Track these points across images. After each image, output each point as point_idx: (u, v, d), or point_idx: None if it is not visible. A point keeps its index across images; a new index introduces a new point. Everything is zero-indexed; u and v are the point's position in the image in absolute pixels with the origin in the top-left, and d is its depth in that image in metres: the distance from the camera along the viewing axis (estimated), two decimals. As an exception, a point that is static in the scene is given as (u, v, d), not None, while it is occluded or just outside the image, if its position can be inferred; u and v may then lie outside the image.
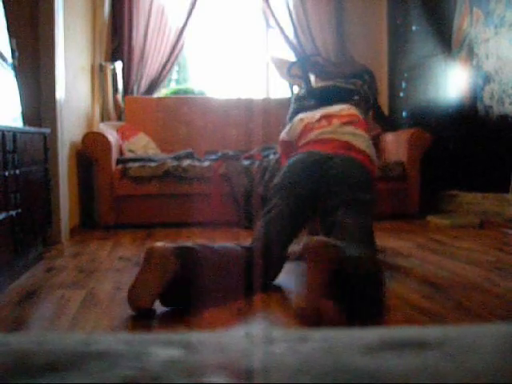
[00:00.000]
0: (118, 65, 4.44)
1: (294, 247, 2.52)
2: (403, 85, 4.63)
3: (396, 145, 4.05)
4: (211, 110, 4.52)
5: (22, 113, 2.76)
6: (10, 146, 2.18)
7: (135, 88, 4.59)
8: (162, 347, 0.41)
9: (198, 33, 4.90)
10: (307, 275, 1.54)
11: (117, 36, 4.57)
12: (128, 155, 3.95)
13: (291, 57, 4.77)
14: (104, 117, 4.38)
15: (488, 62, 3.45)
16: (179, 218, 3.66)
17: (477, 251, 2.66)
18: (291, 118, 4.32)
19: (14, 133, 2.26)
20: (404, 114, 4.63)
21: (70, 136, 3.44)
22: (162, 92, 4.97)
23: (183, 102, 4.59)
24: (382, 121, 4.50)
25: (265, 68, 5.04)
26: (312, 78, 4.62)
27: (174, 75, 5.72)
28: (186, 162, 3.76)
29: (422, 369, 0.38)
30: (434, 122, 4.15)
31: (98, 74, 4.35)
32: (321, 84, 4.56)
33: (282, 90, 5.01)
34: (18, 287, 2.11)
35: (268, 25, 4.92)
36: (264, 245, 2.01)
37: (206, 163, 3.78)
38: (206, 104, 4.58)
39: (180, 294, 1.74)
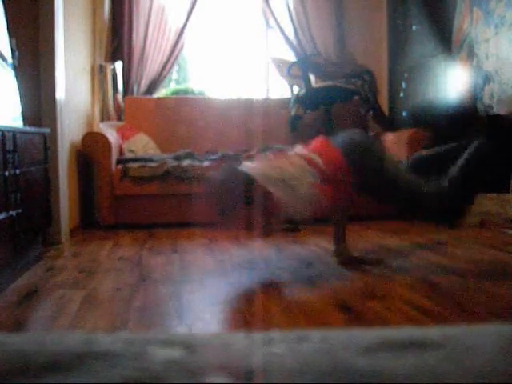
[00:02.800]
0: (118, 65, 4.44)
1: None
2: (403, 85, 4.63)
3: (396, 145, 4.05)
4: (211, 110, 4.52)
5: (22, 113, 2.76)
6: (9, 146, 2.18)
7: (135, 88, 4.59)
8: (162, 347, 0.41)
9: (198, 33, 4.89)
10: None
11: (117, 36, 4.57)
12: (128, 155, 3.95)
13: (291, 57, 4.77)
14: (104, 117, 4.38)
15: (488, 62, 3.45)
16: (179, 218, 3.66)
17: (477, 251, 2.66)
18: (292, 123, 4.32)
19: (14, 133, 2.26)
20: (404, 113, 4.63)
21: (70, 136, 3.44)
22: (161, 92, 4.96)
23: (183, 101, 4.59)
24: (382, 121, 4.50)
25: (265, 68, 5.04)
26: (312, 77, 4.62)
27: (174, 75, 5.71)
28: (186, 162, 3.76)
29: (422, 369, 0.38)
30: (434, 122, 4.14)
31: (98, 74, 4.34)
32: (321, 84, 4.57)
33: (282, 89, 5.01)
34: (18, 287, 2.11)
35: (268, 25, 4.92)
36: None
37: (206, 163, 3.78)
38: (206, 104, 4.58)
39: None
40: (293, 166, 2.30)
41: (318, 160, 2.36)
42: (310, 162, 2.34)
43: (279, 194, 2.18)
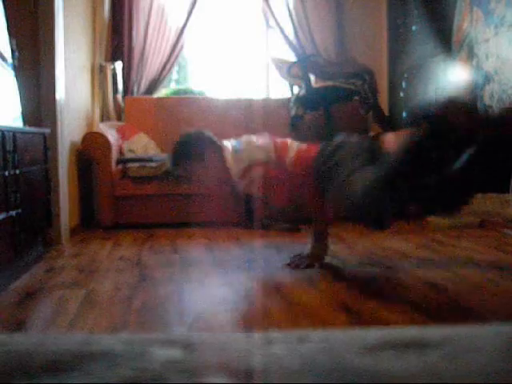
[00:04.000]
0: (118, 65, 4.43)
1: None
2: (403, 85, 4.63)
3: (396, 145, 4.04)
4: (211, 110, 4.51)
5: (22, 113, 2.76)
6: (9, 146, 2.18)
7: (135, 88, 4.59)
8: (162, 347, 0.41)
9: (198, 33, 4.89)
10: None
11: (117, 36, 4.57)
12: (128, 155, 3.95)
13: (291, 57, 4.77)
14: (104, 117, 4.38)
15: (488, 62, 3.45)
16: (179, 218, 3.66)
17: (477, 251, 2.66)
18: (293, 124, 4.32)
19: (14, 133, 2.26)
20: (404, 114, 4.63)
21: (70, 136, 3.44)
22: (162, 92, 4.96)
23: (183, 101, 4.59)
24: (382, 121, 4.50)
25: (265, 68, 5.04)
26: (312, 77, 4.62)
27: (174, 75, 5.71)
28: (186, 162, 3.76)
29: (422, 369, 0.38)
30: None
31: (98, 74, 4.34)
32: (321, 84, 4.56)
33: (282, 89, 5.01)
34: (18, 287, 2.11)
35: (268, 25, 4.92)
36: None
37: (206, 163, 3.78)
38: (206, 104, 4.58)
39: None
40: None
41: (289, 155, 2.46)
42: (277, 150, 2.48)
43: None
